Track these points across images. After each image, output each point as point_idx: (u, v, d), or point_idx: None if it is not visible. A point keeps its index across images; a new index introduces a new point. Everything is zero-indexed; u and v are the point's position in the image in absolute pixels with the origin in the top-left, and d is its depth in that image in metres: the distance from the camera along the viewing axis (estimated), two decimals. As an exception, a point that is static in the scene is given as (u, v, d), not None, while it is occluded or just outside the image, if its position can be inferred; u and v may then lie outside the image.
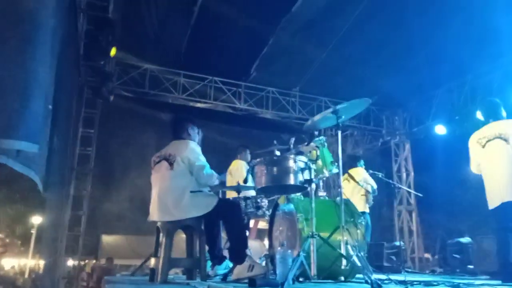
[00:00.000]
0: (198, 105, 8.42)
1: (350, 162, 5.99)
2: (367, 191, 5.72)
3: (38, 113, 2.93)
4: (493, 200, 3.63)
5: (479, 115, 4.13)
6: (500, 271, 3.65)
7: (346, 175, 5.84)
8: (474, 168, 3.89)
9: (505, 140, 3.61)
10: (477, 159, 3.84)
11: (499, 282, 3.42)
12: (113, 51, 6.47)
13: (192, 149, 3.24)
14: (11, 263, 22.71)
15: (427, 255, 9.70)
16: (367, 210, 5.78)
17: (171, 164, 3.17)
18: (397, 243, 6.50)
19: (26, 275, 19.17)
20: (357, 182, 5.71)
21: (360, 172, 5.89)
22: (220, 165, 3.58)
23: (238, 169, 5.36)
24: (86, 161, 7.57)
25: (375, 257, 5.95)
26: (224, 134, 8.81)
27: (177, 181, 3.14)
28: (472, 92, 7.89)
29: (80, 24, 6.05)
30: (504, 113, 3.84)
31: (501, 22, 6.08)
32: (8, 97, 2.68)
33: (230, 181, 5.29)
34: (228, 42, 7.39)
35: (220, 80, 8.46)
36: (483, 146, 3.75)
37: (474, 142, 3.86)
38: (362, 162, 6.10)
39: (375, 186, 5.89)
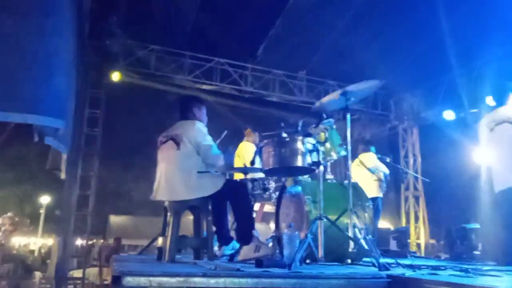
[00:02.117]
0: (204, 86, 8.36)
1: (361, 147, 5.96)
2: (379, 178, 5.71)
3: (62, 88, 2.92)
4: (500, 183, 3.68)
5: (489, 100, 4.09)
6: (503, 255, 3.67)
7: (357, 160, 5.82)
8: (482, 151, 3.94)
9: None
10: (485, 143, 3.87)
11: (506, 267, 3.40)
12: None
13: (198, 130, 3.22)
14: (20, 242, 23.17)
15: (432, 241, 9.73)
16: (380, 195, 5.77)
17: (177, 144, 3.16)
18: (404, 228, 6.51)
19: (36, 254, 19.59)
20: (368, 169, 5.70)
21: (371, 158, 5.85)
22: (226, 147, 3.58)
23: (246, 151, 5.34)
24: (93, 141, 7.59)
25: (381, 241, 5.96)
26: (229, 117, 8.76)
27: (184, 161, 3.13)
28: (481, 78, 7.75)
29: (85, 3, 5.96)
30: None
31: (511, 7, 5.92)
32: (33, 71, 2.67)
33: (238, 163, 5.28)
34: (234, 23, 7.27)
35: (227, 62, 8.37)
36: (492, 130, 3.78)
37: (483, 125, 3.90)
38: (373, 147, 6.07)
39: (387, 172, 5.87)
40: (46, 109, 2.68)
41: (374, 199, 5.35)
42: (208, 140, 3.22)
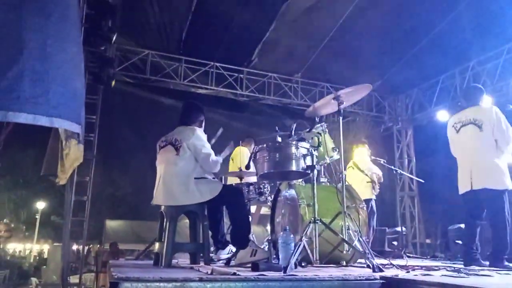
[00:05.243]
0: (200, 91, 8.38)
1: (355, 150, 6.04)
2: (372, 180, 5.75)
3: (77, 93, 2.92)
4: (462, 186, 3.70)
5: (486, 100, 4.11)
6: (463, 256, 3.71)
7: (351, 162, 5.90)
8: (452, 151, 3.93)
9: (479, 126, 3.62)
10: (452, 144, 3.89)
11: (497, 268, 3.45)
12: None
13: (198, 136, 3.25)
14: (16, 248, 22.99)
15: (428, 241, 9.78)
16: (373, 197, 5.82)
17: (177, 150, 3.19)
18: (399, 229, 6.56)
19: (31, 259, 19.45)
20: (362, 171, 5.75)
21: (365, 160, 5.91)
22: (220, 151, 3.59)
23: (241, 155, 5.37)
24: (89, 147, 7.56)
25: (377, 242, 6.01)
26: (225, 120, 8.78)
27: (183, 166, 3.15)
28: (475, 78, 7.82)
29: (81, 8, 5.97)
30: (483, 100, 3.86)
31: (505, 8, 6.00)
32: (51, 75, 2.67)
33: (232, 167, 5.31)
34: (229, 27, 7.30)
35: (222, 66, 8.40)
36: (458, 131, 3.79)
37: (450, 126, 3.91)
38: (367, 148, 6.13)
39: (380, 174, 5.92)
40: (69, 114, 2.69)
41: (367, 201, 5.41)
42: (207, 147, 3.25)
